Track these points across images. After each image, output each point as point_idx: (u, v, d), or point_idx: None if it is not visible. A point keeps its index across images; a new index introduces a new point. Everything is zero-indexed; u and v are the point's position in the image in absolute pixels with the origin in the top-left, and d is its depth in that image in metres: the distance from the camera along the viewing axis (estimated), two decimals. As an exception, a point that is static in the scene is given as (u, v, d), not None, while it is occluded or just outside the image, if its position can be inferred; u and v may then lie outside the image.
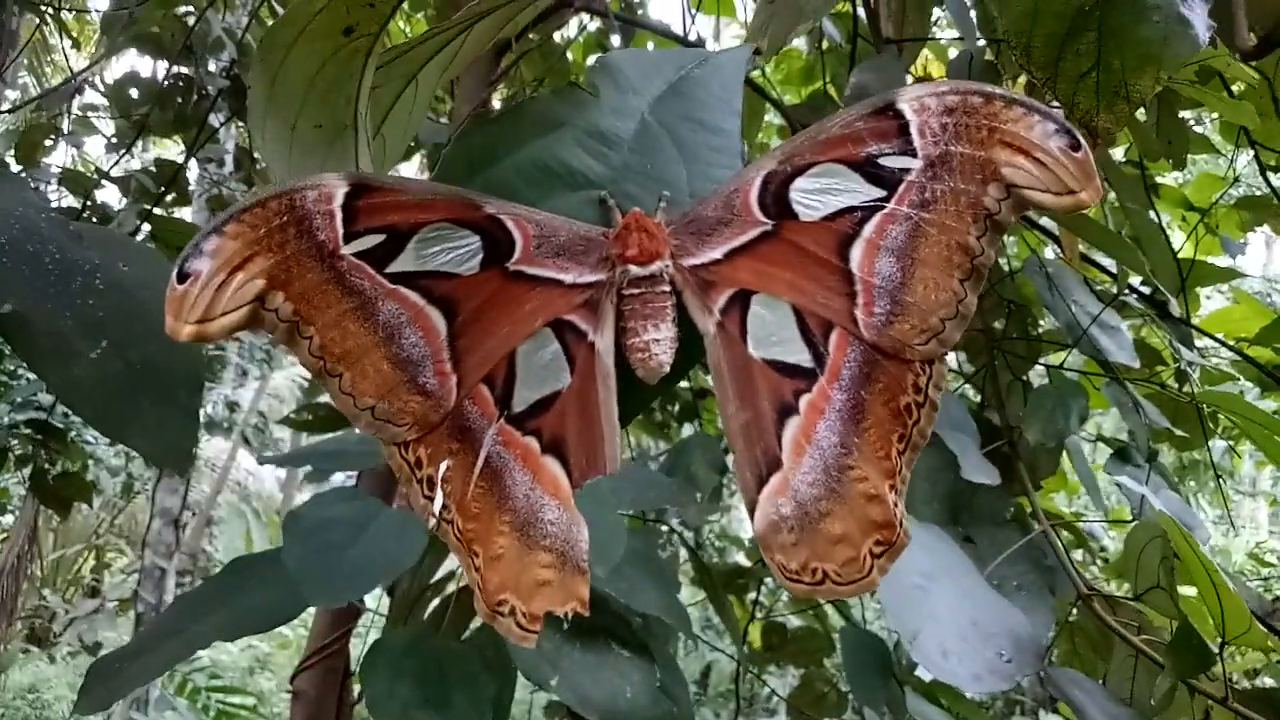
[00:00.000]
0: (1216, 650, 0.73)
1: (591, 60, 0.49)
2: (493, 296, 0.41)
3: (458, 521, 0.41)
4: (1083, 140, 0.38)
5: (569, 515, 0.41)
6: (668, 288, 0.42)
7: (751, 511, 0.40)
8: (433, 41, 0.55)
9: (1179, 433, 1.26)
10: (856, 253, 0.40)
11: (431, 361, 0.40)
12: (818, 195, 0.41)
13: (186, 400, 0.63)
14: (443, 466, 0.40)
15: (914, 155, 0.40)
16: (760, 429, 0.41)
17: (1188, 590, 0.80)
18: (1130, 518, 1.11)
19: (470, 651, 0.84)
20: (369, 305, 0.40)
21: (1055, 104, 0.54)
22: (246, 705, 4.53)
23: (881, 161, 0.40)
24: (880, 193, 0.40)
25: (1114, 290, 1.27)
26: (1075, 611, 1.03)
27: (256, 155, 2.23)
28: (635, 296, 0.41)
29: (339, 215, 0.39)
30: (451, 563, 1.15)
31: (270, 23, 2.16)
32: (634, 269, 0.41)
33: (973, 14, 1.13)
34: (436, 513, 0.40)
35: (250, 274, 0.37)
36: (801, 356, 0.41)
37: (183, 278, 0.36)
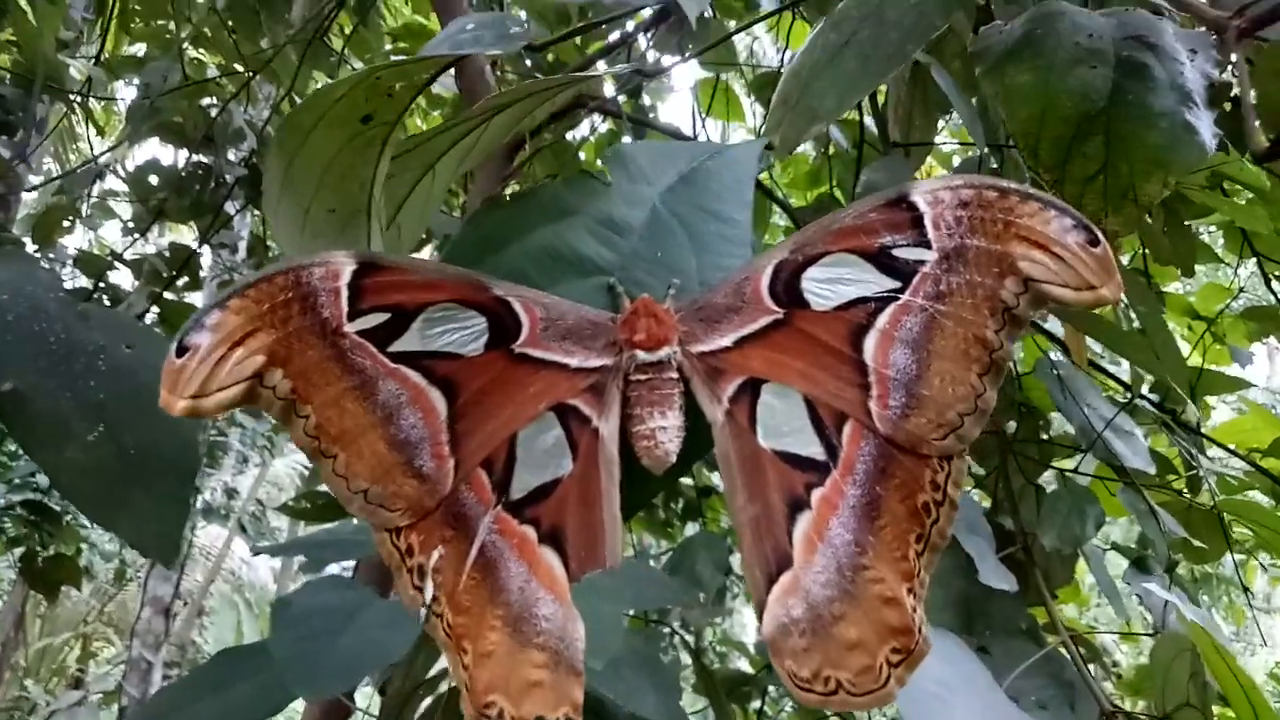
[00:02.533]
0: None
1: (607, 152, 0.50)
2: (496, 379, 0.40)
3: (447, 615, 0.38)
4: (1101, 236, 0.38)
5: (565, 611, 0.39)
6: (675, 374, 0.41)
7: (760, 612, 0.38)
8: (452, 131, 0.55)
9: (1197, 543, 1.22)
10: (870, 344, 0.40)
11: (429, 444, 0.39)
12: (830, 285, 0.40)
13: (178, 489, 0.63)
14: (434, 555, 0.39)
15: (928, 247, 0.39)
16: (770, 523, 0.39)
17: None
18: (1149, 630, 1.07)
19: (459, 757, 0.80)
20: (369, 384, 0.39)
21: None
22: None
23: (895, 253, 0.40)
24: (894, 284, 0.40)
25: (1121, 397, 1.25)
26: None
27: (270, 242, 2.27)
28: (642, 383, 0.40)
29: (345, 293, 0.38)
30: (445, 660, 1.11)
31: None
32: (641, 354, 0.40)
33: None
34: (425, 604, 0.38)
35: (250, 350, 0.36)
36: (814, 448, 0.40)
37: (181, 351, 0.35)
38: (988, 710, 0.77)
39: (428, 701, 1.03)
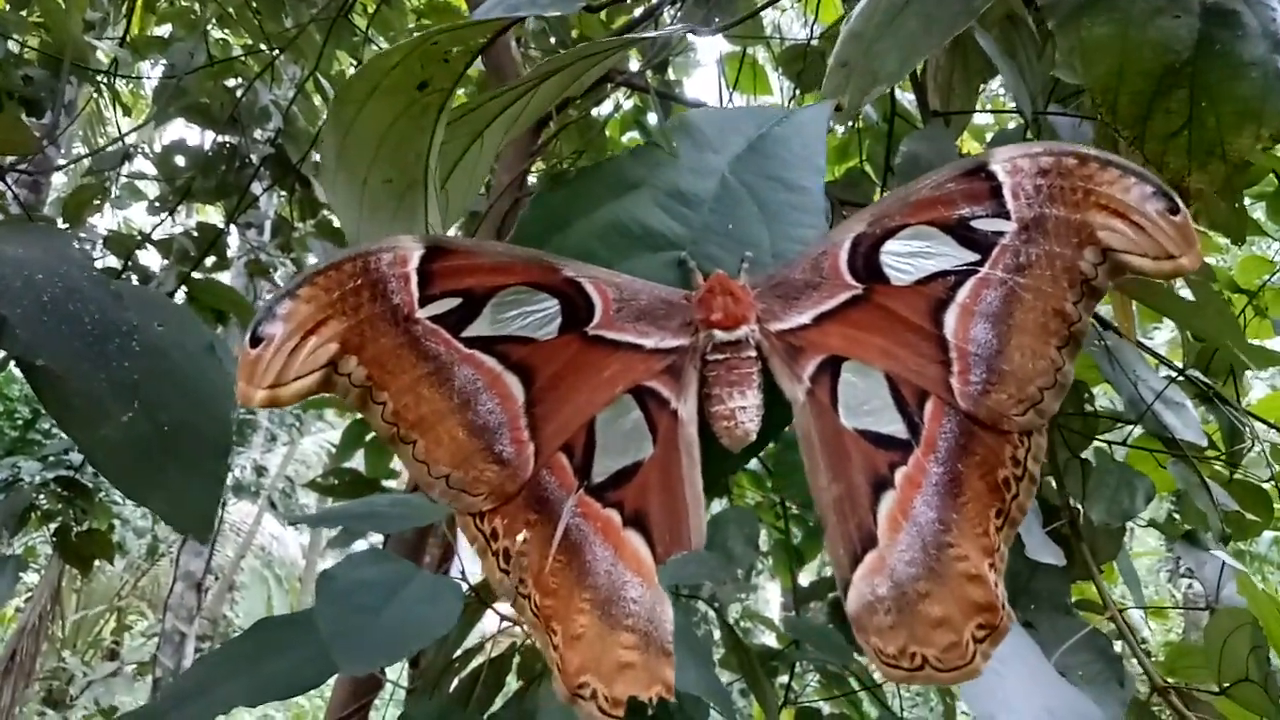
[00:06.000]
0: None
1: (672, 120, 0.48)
2: (571, 362, 0.40)
3: (535, 597, 0.38)
4: (1180, 204, 0.37)
5: (653, 593, 0.39)
6: (754, 353, 0.40)
7: (845, 590, 0.38)
8: (499, 99, 0.54)
9: (1250, 516, 1.21)
10: (950, 319, 0.39)
11: (508, 429, 0.39)
12: (909, 259, 0.39)
13: (212, 466, 0.63)
14: (519, 538, 0.38)
15: (1007, 218, 0.38)
16: (854, 503, 0.38)
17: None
18: (1173, 606, 1.05)
19: (499, 726, 0.80)
20: (444, 370, 0.38)
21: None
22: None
23: (974, 224, 0.39)
24: (973, 256, 0.39)
25: (1166, 371, 1.23)
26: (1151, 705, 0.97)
27: (295, 224, 2.27)
28: (720, 362, 0.40)
29: (414, 279, 0.38)
30: (478, 634, 1.11)
31: (315, 98, 2.22)
32: (719, 334, 0.40)
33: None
34: (512, 587, 0.38)
35: (323, 338, 0.36)
36: (895, 427, 0.39)
37: (255, 342, 0.35)
38: (1036, 683, 0.76)
39: (464, 674, 1.04)
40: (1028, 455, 0.38)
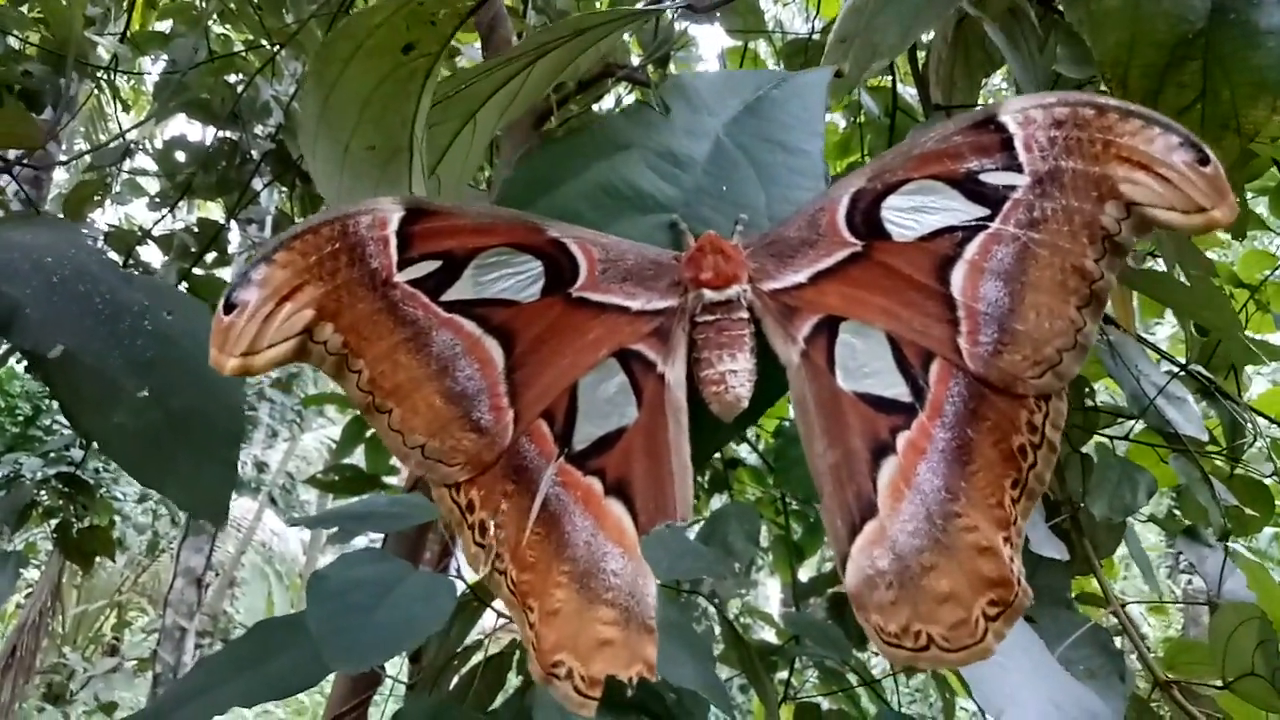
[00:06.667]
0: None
1: (666, 81, 0.47)
2: (554, 325, 0.38)
3: (511, 571, 0.36)
4: (1211, 154, 0.34)
5: (635, 565, 0.37)
6: (746, 314, 0.38)
7: (843, 565, 0.36)
8: (493, 78, 0.53)
9: (1250, 511, 1.19)
10: (958, 276, 0.37)
11: (487, 395, 0.37)
12: (912, 214, 0.37)
13: (224, 453, 0.63)
14: (497, 510, 0.36)
15: (1020, 171, 0.36)
16: (852, 470, 0.36)
17: None
18: (1173, 601, 1.03)
19: (497, 723, 0.79)
20: (422, 336, 0.37)
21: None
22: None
23: (983, 178, 0.37)
24: (983, 211, 0.37)
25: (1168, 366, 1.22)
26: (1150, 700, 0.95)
27: (296, 219, 2.26)
28: (710, 324, 0.38)
29: (393, 241, 0.36)
30: (479, 632, 1.10)
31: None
32: (709, 294, 0.38)
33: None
34: (488, 561, 0.36)
35: (299, 304, 0.35)
36: (898, 390, 0.37)
37: (229, 308, 0.34)
38: (1040, 676, 0.75)
39: (463, 671, 1.03)
40: (1046, 421, 0.36)
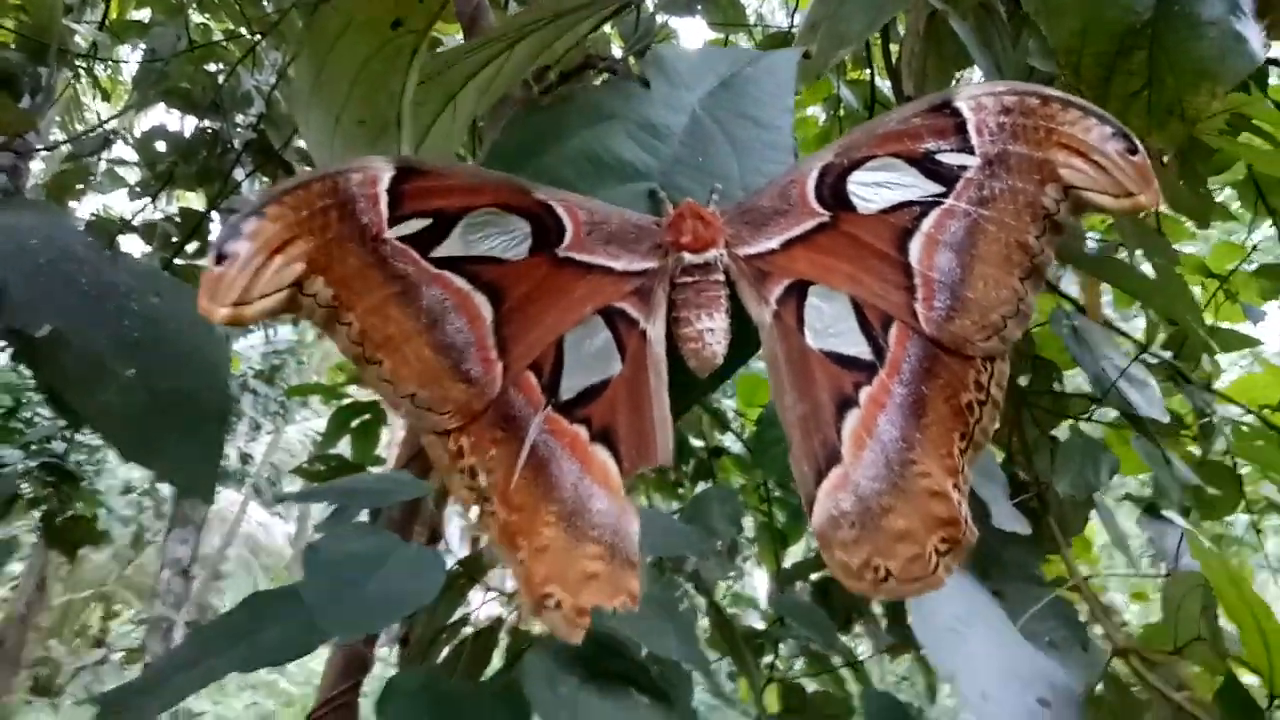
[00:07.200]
0: (1265, 705, 0.69)
1: (646, 56, 0.49)
2: (541, 283, 0.40)
3: (500, 513, 0.39)
4: (1139, 145, 0.38)
5: (619, 505, 0.39)
6: (722, 277, 0.41)
7: (809, 507, 0.39)
8: (472, 60, 0.54)
9: (1211, 490, 1.23)
10: (915, 247, 0.40)
11: (476, 348, 0.39)
12: (875, 188, 0.40)
13: (211, 431, 0.64)
14: (486, 456, 0.39)
15: (971, 153, 0.39)
16: (819, 421, 0.39)
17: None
18: (1152, 585, 1.07)
19: (486, 694, 0.81)
20: (412, 290, 0.38)
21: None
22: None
23: (939, 158, 0.40)
24: (938, 188, 0.40)
25: (1135, 352, 1.25)
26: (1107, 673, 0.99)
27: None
28: (689, 285, 0.40)
29: (384, 199, 0.38)
30: (465, 606, 1.12)
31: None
32: (688, 256, 0.40)
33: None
34: (479, 504, 0.38)
35: (290, 257, 0.36)
36: (861, 349, 0.40)
37: (220, 259, 0.35)
38: (1000, 643, 0.78)
39: (452, 645, 1.05)
40: (990, 380, 0.40)
